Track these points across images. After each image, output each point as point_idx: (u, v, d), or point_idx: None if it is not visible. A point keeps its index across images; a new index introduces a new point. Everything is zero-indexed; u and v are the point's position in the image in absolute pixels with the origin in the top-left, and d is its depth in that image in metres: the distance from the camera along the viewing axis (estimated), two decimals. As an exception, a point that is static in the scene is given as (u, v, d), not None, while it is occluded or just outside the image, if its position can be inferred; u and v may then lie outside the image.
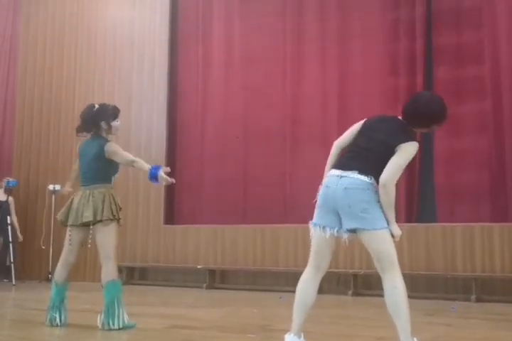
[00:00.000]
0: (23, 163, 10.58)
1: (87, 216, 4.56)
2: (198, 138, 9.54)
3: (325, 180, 3.56)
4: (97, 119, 4.78)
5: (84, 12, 10.67)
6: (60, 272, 4.76)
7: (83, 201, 4.64)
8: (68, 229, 4.75)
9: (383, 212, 3.41)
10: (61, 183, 8.63)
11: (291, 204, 8.56)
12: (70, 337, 4.48)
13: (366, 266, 7.64)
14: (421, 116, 3.54)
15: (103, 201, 4.60)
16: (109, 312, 4.49)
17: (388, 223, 3.42)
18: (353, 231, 3.44)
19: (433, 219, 7.82)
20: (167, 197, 9.52)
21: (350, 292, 7.65)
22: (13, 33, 11.26)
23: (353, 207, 3.39)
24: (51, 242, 9.55)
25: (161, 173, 4.52)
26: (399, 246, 8.54)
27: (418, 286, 7.38)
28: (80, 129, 4.90)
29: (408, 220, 7.80)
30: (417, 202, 7.93)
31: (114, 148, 4.71)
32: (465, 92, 7.86)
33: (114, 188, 4.82)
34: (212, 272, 8.76)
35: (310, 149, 8.39)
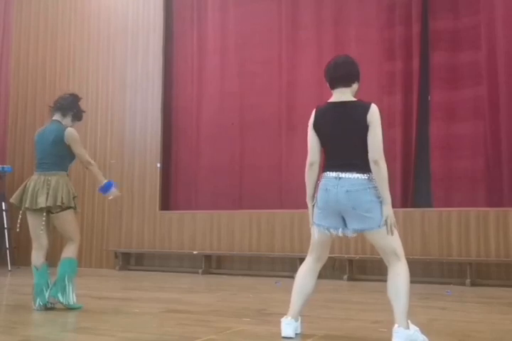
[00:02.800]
0: (17, 150, 10.53)
1: (41, 202, 4.74)
2: (194, 125, 9.51)
3: (322, 183, 3.53)
4: (73, 107, 5.11)
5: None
6: (36, 257, 4.89)
7: (38, 186, 4.80)
8: (21, 212, 4.91)
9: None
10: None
11: (286, 190, 8.56)
12: (65, 321, 4.49)
13: (361, 251, 7.67)
14: (351, 68, 3.62)
15: (62, 189, 4.80)
16: (58, 286, 4.73)
17: (384, 206, 3.43)
18: (357, 231, 3.50)
19: (429, 205, 7.84)
20: (163, 183, 9.51)
21: (345, 277, 7.68)
22: (5, 21, 11.17)
23: (358, 208, 3.42)
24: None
25: (114, 190, 5.03)
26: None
27: (414, 271, 7.33)
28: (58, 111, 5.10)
29: (404, 205, 7.81)
30: (412, 187, 7.94)
31: (75, 136, 4.94)
32: (461, 78, 7.85)
33: (69, 176, 5.03)
34: (208, 257, 8.78)
35: (305, 135, 8.35)
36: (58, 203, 4.76)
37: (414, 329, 3.37)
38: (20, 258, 9.29)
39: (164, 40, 9.79)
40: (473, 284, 6.99)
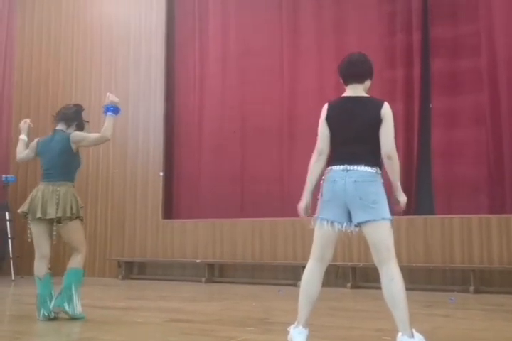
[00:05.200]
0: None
1: (51, 212, 4.75)
2: (196, 134, 9.53)
3: (329, 175, 3.54)
4: (77, 118, 5.15)
5: (80, 9, 10.65)
6: (39, 267, 4.90)
7: (47, 196, 4.82)
8: (29, 222, 4.91)
9: (386, 197, 3.48)
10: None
11: (288, 198, 8.55)
12: (68, 331, 4.49)
13: (365, 258, 7.65)
14: (365, 65, 3.85)
15: (71, 199, 4.85)
16: (64, 296, 4.74)
17: (398, 193, 3.58)
18: (360, 224, 3.47)
19: (431, 212, 7.83)
20: (165, 191, 9.52)
21: (348, 284, 7.67)
22: (8, 32, 11.19)
23: (364, 199, 3.43)
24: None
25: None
26: (397, 238, 8.57)
27: (416, 278, 7.41)
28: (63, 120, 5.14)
29: (406, 212, 7.76)
30: (414, 194, 7.93)
31: (80, 135, 5.00)
32: (462, 84, 7.86)
33: (75, 186, 5.07)
34: (210, 266, 8.78)
35: (307, 143, 8.35)
36: (68, 214, 4.80)
37: (418, 338, 3.33)
38: (24, 267, 9.27)
39: (166, 49, 9.83)
40: (476, 291, 6.97)
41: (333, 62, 8.73)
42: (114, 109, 5.04)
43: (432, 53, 8.07)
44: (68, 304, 4.73)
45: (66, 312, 4.76)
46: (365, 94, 3.71)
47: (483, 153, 7.65)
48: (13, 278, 8.97)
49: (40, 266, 4.89)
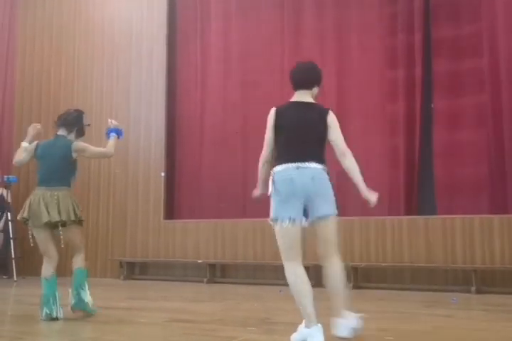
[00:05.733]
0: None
1: (54, 216, 4.83)
2: (197, 134, 9.54)
3: (282, 174, 3.69)
4: (78, 123, 5.22)
5: (81, 8, 10.66)
6: (46, 269, 4.97)
7: (46, 201, 4.87)
8: (30, 227, 4.97)
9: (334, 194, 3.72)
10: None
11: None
12: (71, 331, 4.50)
13: (366, 259, 7.66)
14: (314, 73, 4.05)
15: (71, 203, 4.95)
16: (77, 297, 4.94)
17: (365, 193, 3.72)
18: (319, 218, 3.66)
19: (433, 212, 7.82)
20: (167, 192, 9.53)
21: (350, 285, 7.66)
22: (10, 32, 11.23)
23: (322, 194, 3.68)
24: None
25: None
26: (399, 239, 8.56)
27: (418, 278, 7.40)
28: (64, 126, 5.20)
29: (408, 213, 7.80)
30: (416, 194, 7.93)
31: (83, 145, 5.09)
32: (464, 85, 7.86)
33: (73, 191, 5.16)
34: (212, 266, 8.78)
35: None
36: (73, 218, 4.91)
37: (355, 317, 3.65)
38: (26, 268, 9.30)
39: (168, 48, 9.83)
40: (478, 291, 6.97)
41: (335, 63, 8.77)
42: (118, 131, 5.27)
43: (433, 54, 8.07)
44: (84, 303, 4.94)
45: (86, 311, 4.96)
46: (312, 100, 3.92)
47: (485, 153, 7.65)
48: (15, 279, 8.99)
49: (47, 268, 4.95)
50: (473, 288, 7.00)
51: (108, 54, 10.28)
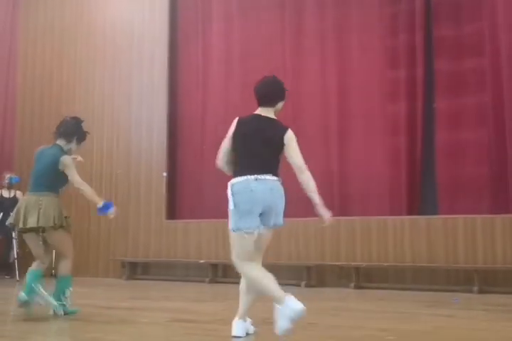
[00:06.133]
0: (24, 161, 10.58)
1: (32, 222, 4.86)
2: (199, 135, 9.54)
3: (242, 186, 3.86)
4: (77, 132, 5.22)
5: (83, 11, 10.67)
6: (34, 264, 5.12)
7: (29, 207, 4.92)
8: (17, 231, 5.17)
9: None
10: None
11: (289, 198, 8.52)
12: (73, 331, 4.51)
13: (368, 259, 7.66)
14: (278, 90, 4.14)
15: (54, 209, 4.94)
16: (57, 301, 4.96)
17: (319, 208, 3.94)
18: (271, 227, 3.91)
19: (434, 212, 7.82)
20: (168, 192, 9.54)
21: (352, 285, 7.66)
22: (12, 35, 11.26)
23: (280, 205, 3.90)
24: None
25: (112, 209, 5.05)
26: (400, 239, 8.55)
27: (420, 278, 7.39)
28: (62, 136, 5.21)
29: (410, 213, 7.79)
30: (418, 194, 7.92)
31: (68, 164, 5.02)
32: (465, 85, 7.86)
33: (61, 197, 5.14)
34: (214, 266, 8.79)
35: (309, 143, 8.38)
36: (51, 224, 4.91)
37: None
38: (28, 268, 9.30)
39: (169, 50, 9.84)
40: (480, 291, 6.96)
41: (336, 63, 8.77)
42: (109, 206, 5.07)
43: (434, 53, 8.07)
44: (62, 306, 4.95)
45: (66, 312, 4.97)
46: (274, 117, 4.01)
47: (487, 153, 7.65)
48: (17, 279, 9.00)
49: (35, 264, 5.11)
50: (475, 288, 7.00)
51: (110, 56, 10.29)
